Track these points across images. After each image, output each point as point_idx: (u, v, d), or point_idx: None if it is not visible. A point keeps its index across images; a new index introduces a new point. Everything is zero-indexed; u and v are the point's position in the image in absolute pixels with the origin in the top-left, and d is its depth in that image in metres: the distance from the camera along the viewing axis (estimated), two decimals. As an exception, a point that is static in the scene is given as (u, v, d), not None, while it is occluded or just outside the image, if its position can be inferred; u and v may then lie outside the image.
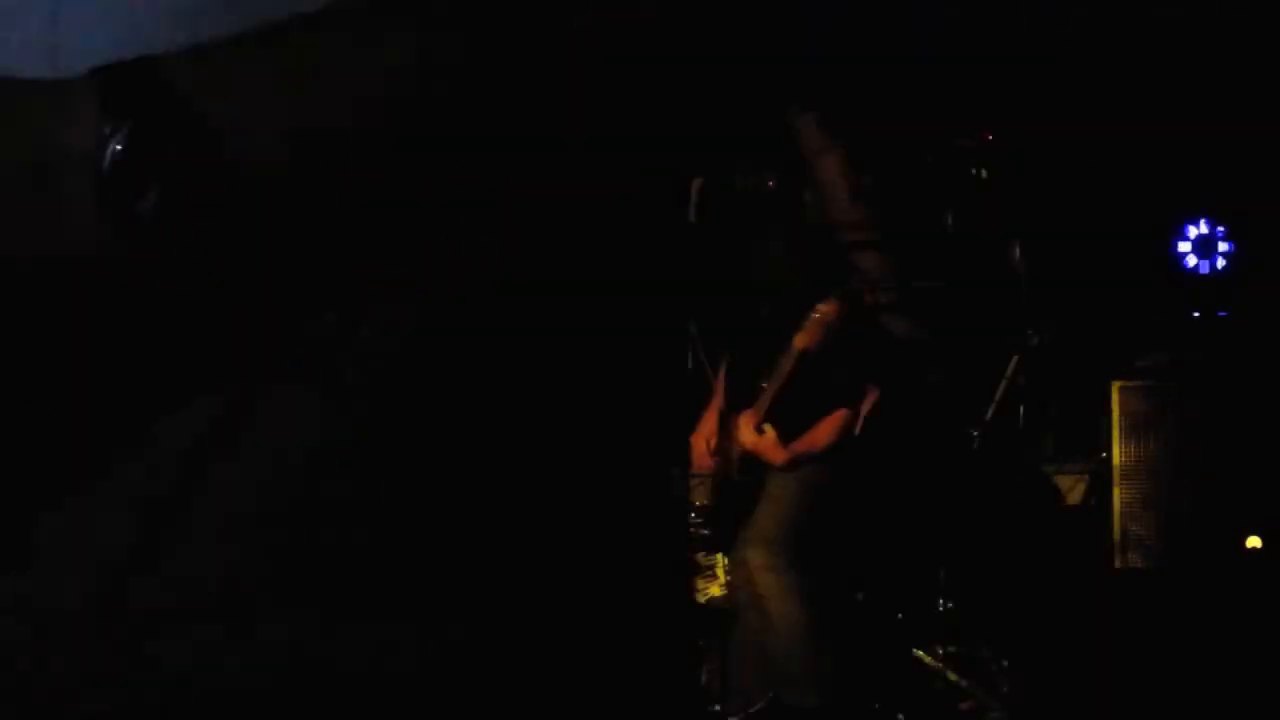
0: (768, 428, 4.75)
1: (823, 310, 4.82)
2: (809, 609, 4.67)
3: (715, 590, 5.48)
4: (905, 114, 6.86)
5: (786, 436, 4.82)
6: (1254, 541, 5.45)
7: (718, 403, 4.96)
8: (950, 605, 5.76)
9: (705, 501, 5.54)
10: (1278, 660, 5.06)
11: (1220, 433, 5.61)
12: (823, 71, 6.70)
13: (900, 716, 5.13)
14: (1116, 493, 5.73)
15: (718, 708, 5.13)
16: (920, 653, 5.47)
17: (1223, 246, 6.93)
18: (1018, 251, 5.84)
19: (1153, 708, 5.06)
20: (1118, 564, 5.67)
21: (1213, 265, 6.94)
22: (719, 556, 5.50)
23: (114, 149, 1.23)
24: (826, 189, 6.59)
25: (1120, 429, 5.77)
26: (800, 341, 4.81)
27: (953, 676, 5.36)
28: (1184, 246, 6.99)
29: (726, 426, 4.89)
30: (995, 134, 6.98)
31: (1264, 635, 5.16)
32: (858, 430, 4.81)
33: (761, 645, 4.83)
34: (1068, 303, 6.47)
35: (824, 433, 4.77)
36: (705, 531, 5.48)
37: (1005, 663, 5.38)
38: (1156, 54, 6.70)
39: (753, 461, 4.84)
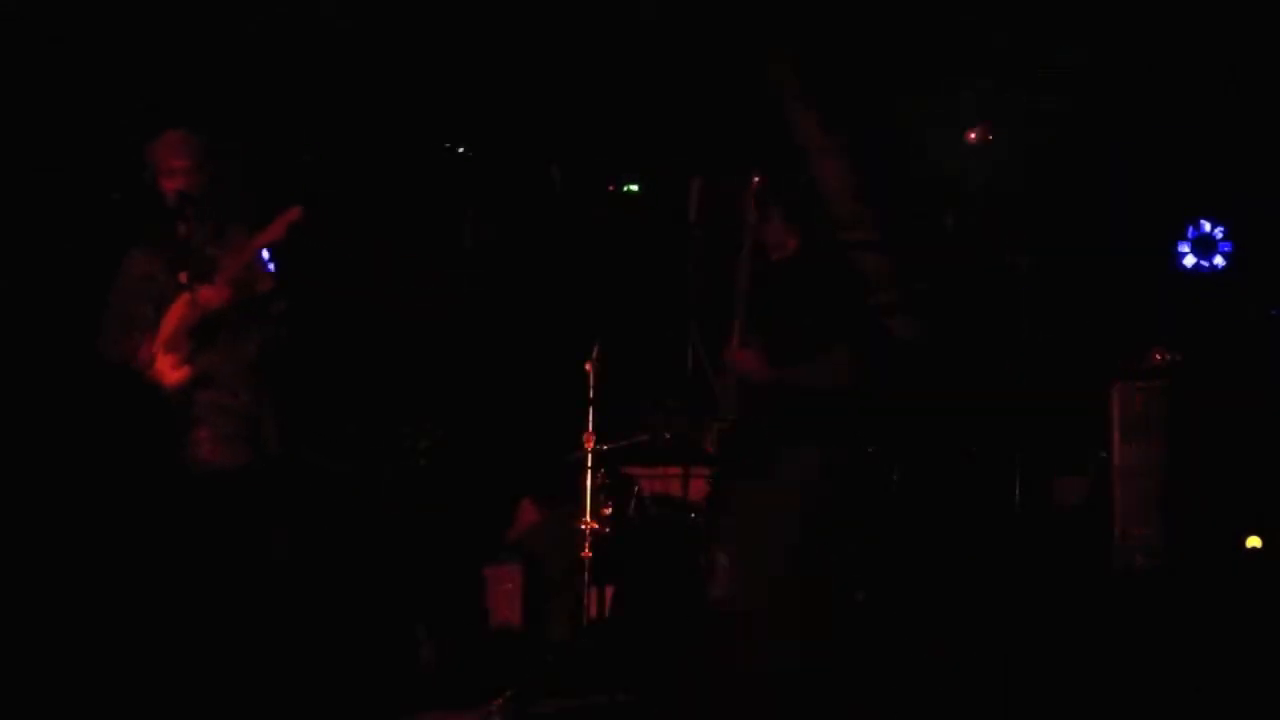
0: (749, 347, 4.67)
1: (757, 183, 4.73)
2: (814, 613, 4.67)
3: (716, 590, 5.49)
4: (908, 110, 6.88)
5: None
6: (1254, 541, 5.45)
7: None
8: (948, 605, 5.77)
9: (699, 499, 5.55)
10: (1278, 660, 5.06)
11: (1220, 433, 5.61)
12: (825, 67, 6.71)
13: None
14: (1116, 493, 5.73)
15: (715, 706, 5.14)
16: (916, 650, 5.48)
17: (1223, 246, 6.94)
18: (1017, 251, 5.84)
19: (1153, 708, 5.06)
20: (1118, 564, 5.67)
21: (1212, 265, 6.95)
22: (719, 555, 5.50)
23: None
24: (827, 189, 6.60)
25: (1120, 429, 5.77)
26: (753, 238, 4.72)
27: (951, 672, 5.36)
28: (1184, 246, 7.01)
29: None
30: (996, 135, 7.00)
31: (1264, 635, 5.16)
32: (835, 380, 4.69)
33: (761, 643, 4.82)
34: (1068, 302, 6.48)
35: (812, 367, 4.69)
36: (704, 525, 5.48)
37: (1005, 662, 5.38)
38: (1156, 55, 6.70)
39: (742, 453, 4.79)
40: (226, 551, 4.55)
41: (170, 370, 4.63)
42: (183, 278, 4.62)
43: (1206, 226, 6.98)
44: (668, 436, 6.18)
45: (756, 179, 4.79)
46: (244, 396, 4.68)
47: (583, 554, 5.82)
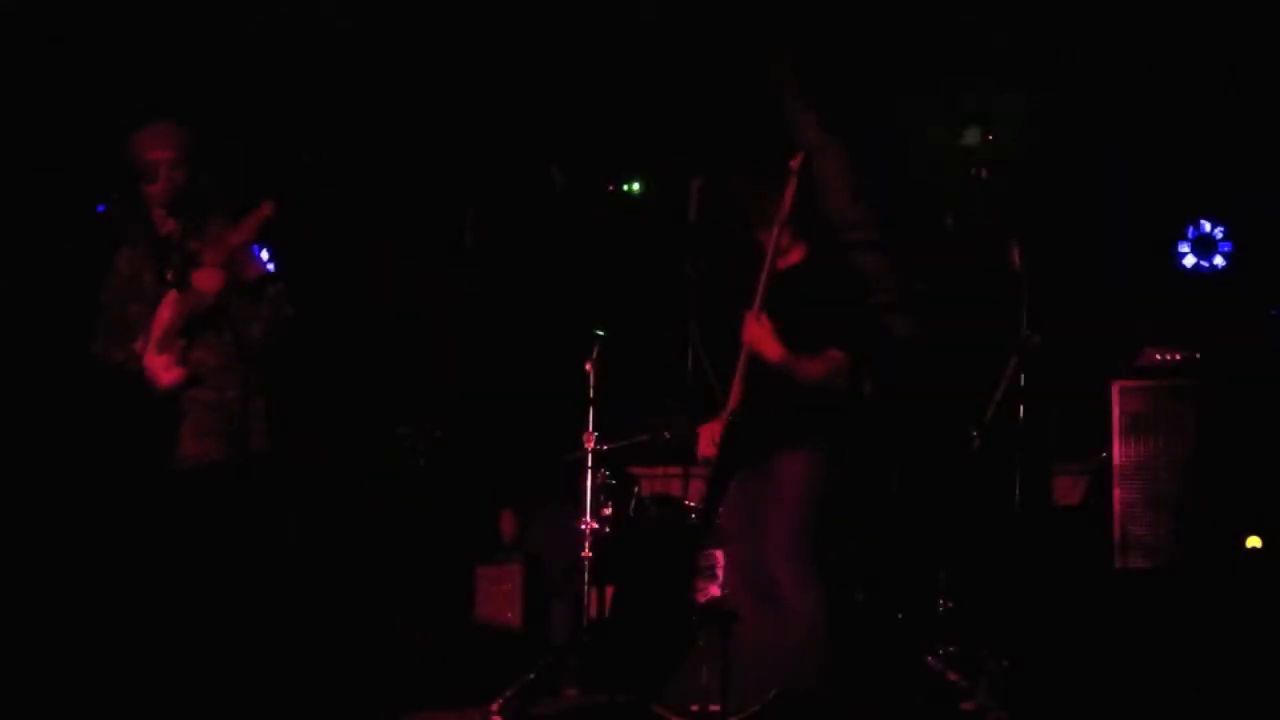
0: (764, 318, 4.62)
1: (793, 165, 4.68)
2: (825, 605, 4.64)
3: (715, 590, 5.48)
4: (908, 111, 6.88)
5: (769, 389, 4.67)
6: (1254, 541, 5.45)
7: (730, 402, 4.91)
8: (950, 605, 5.76)
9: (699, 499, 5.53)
10: (1278, 660, 5.06)
11: (1220, 433, 5.61)
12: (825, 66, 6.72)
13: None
14: (1116, 493, 5.72)
15: (717, 708, 5.13)
16: (921, 653, 5.47)
17: (1223, 246, 6.93)
18: (1018, 251, 5.83)
19: (1153, 707, 5.05)
20: (1118, 564, 5.67)
21: (1212, 265, 6.95)
22: (718, 555, 5.50)
23: None
24: (827, 189, 6.60)
25: (1120, 429, 5.77)
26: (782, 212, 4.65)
27: (953, 676, 5.35)
28: (1184, 246, 7.01)
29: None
30: (995, 134, 7.00)
31: (1264, 635, 5.16)
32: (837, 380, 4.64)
33: (762, 645, 4.82)
34: (1068, 303, 6.47)
35: (817, 363, 4.66)
36: (701, 525, 5.46)
37: (1005, 663, 5.37)
38: (1156, 54, 6.70)
39: (745, 447, 4.75)
40: (207, 547, 4.51)
41: (163, 371, 4.60)
42: (168, 275, 4.58)
43: (1206, 226, 6.98)
44: (668, 436, 6.18)
45: (796, 160, 4.72)
46: (232, 393, 4.61)
47: (583, 554, 5.82)
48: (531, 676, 5.52)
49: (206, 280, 4.55)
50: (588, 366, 5.95)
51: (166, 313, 4.62)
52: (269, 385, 4.71)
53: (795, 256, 4.86)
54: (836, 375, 4.67)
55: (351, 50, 6.54)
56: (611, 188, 7.70)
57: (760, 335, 4.65)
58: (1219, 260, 6.94)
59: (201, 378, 4.63)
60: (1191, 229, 7.00)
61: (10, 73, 5.67)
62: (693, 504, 5.77)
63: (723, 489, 4.81)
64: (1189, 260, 7.00)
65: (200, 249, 4.60)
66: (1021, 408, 5.85)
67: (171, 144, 4.66)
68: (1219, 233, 6.95)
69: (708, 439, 4.79)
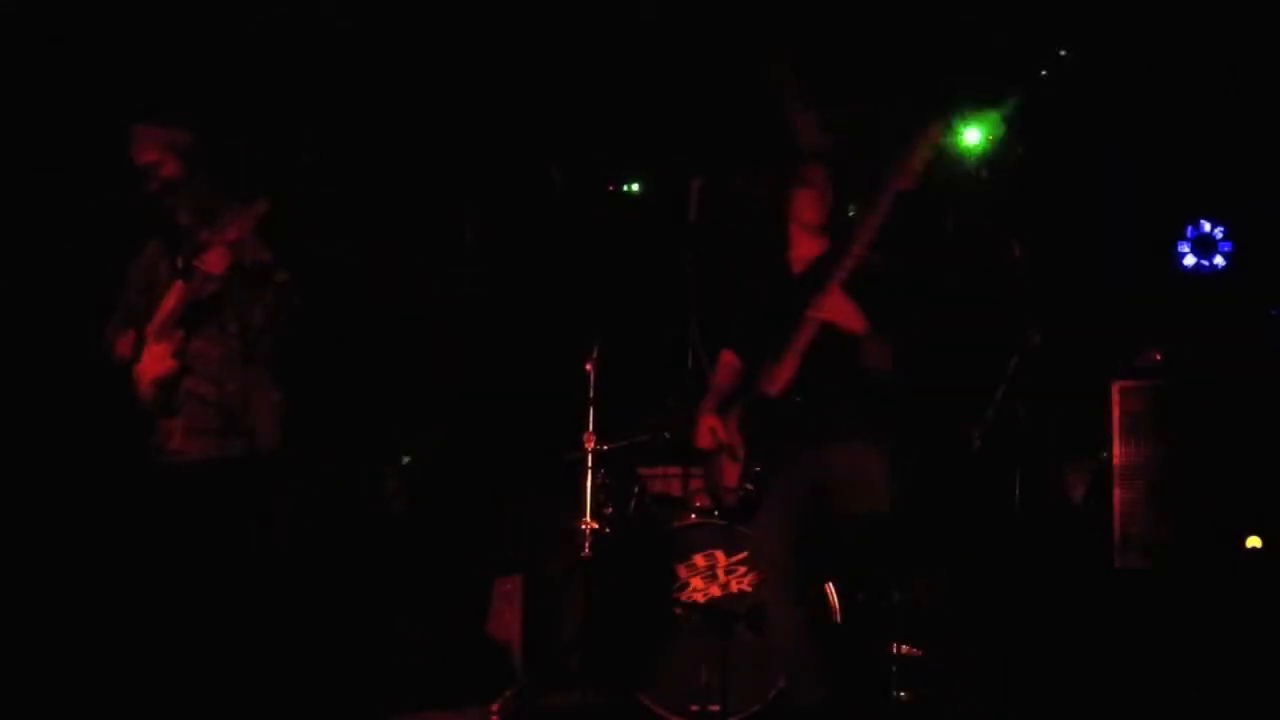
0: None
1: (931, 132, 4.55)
2: (825, 606, 4.60)
3: (715, 590, 5.48)
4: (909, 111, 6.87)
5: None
6: (1254, 541, 5.45)
7: (715, 392, 4.85)
8: (950, 605, 5.76)
9: (707, 500, 5.52)
10: (1278, 660, 5.06)
11: (1220, 432, 5.61)
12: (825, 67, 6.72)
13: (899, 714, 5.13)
14: (1116, 493, 5.73)
15: (717, 708, 5.13)
16: (920, 652, 5.48)
17: (1223, 246, 6.93)
18: (1018, 250, 5.83)
19: (1153, 707, 5.06)
20: (1118, 564, 5.67)
21: (1212, 265, 6.95)
22: (719, 555, 5.50)
23: None
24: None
25: (1120, 429, 5.77)
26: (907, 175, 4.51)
27: (948, 676, 5.36)
28: (1184, 246, 7.01)
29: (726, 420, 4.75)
30: (996, 137, 6.99)
31: (1264, 635, 5.16)
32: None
33: (762, 645, 4.81)
34: (1068, 303, 6.47)
35: (886, 347, 4.54)
36: (718, 523, 5.44)
37: (1002, 660, 5.38)
38: (1156, 54, 6.70)
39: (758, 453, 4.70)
40: (192, 544, 4.49)
41: (157, 362, 4.59)
42: (178, 262, 4.58)
43: (1206, 226, 6.98)
44: (668, 436, 6.17)
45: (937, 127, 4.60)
46: (232, 386, 4.58)
47: (583, 554, 5.82)
48: (531, 676, 5.52)
49: (212, 261, 4.52)
50: (588, 366, 5.95)
51: (171, 300, 4.61)
52: (273, 380, 4.68)
53: (815, 249, 4.76)
54: (889, 360, 4.58)
55: (351, 50, 6.54)
56: (611, 188, 7.70)
57: (847, 307, 4.51)
58: (1219, 260, 6.94)
59: (194, 370, 4.61)
60: (1191, 229, 7.00)
61: (10, 73, 5.67)
62: (700, 504, 5.75)
63: (760, 481, 4.65)
64: (1189, 260, 7.00)
65: (209, 239, 4.59)
66: (1021, 408, 5.85)
67: (158, 146, 4.66)
68: (1219, 233, 6.95)
69: (706, 431, 4.71)
